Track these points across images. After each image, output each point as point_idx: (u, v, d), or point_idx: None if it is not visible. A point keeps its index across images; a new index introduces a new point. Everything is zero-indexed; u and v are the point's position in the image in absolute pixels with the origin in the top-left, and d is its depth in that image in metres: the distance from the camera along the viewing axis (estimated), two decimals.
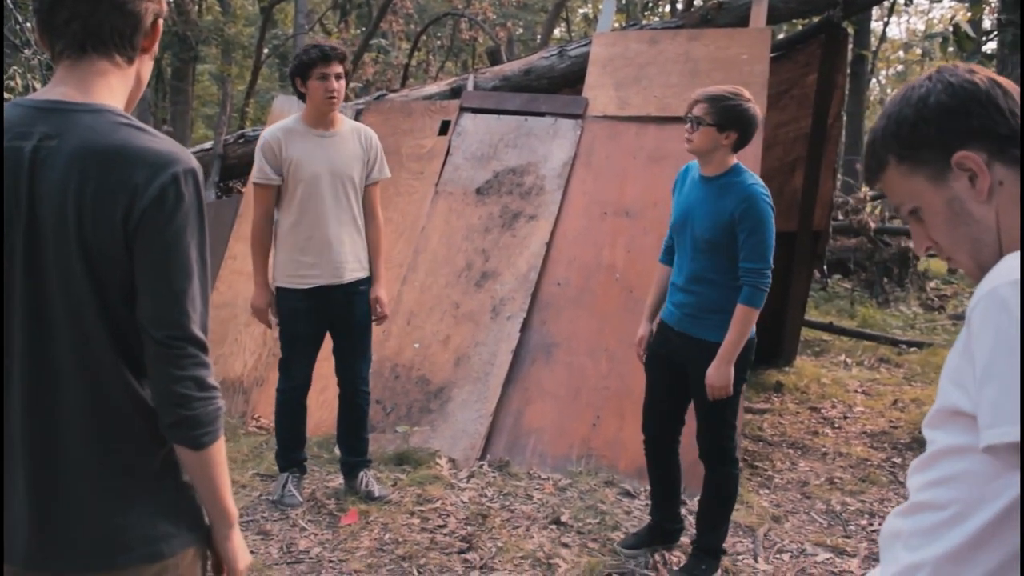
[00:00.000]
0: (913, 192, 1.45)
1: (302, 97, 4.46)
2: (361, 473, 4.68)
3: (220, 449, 1.63)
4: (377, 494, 4.59)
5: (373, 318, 4.64)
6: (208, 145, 8.61)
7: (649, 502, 4.50)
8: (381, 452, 5.09)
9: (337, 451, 4.86)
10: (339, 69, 4.38)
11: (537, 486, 4.84)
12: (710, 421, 3.90)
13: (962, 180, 1.39)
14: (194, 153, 8.38)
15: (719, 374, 3.70)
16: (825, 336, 9.73)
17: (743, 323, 3.68)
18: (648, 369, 4.11)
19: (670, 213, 4.07)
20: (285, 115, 6.80)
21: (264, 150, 4.37)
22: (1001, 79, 1.42)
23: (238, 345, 6.16)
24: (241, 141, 8.26)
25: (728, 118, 3.71)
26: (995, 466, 1.26)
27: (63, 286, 1.54)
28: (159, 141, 1.57)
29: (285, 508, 4.50)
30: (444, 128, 6.52)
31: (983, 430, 1.21)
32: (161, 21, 1.65)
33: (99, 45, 1.60)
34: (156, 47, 1.71)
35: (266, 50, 16.38)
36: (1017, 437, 1.17)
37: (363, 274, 4.57)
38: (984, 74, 1.41)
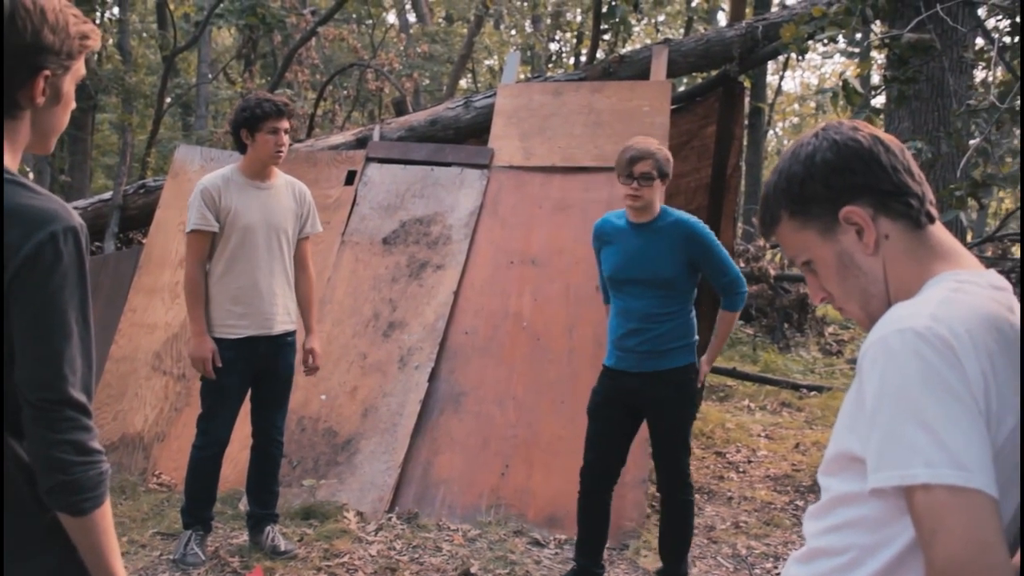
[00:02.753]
0: (805, 245, 1.51)
1: (243, 148, 4.46)
2: (268, 528, 4.57)
3: (105, 515, 1.58)
4: (283, 548, 4.48)
5: (304, 368, 4.65)
6: (108, 195, 8.41)
7: (558, 551, 4.49)
8: (287, 507, 4.98)
9: (242, 506, 4.74)
10: (287, 125, 4.44)
11: (447, 537, 4.79)
12: (672, 446, 4.03)
13: (850, 234, 1.45)
14: (92, 204, 8.18)
15: (705, 368, 4.19)
16: (729, 381, 9.89)
17: (728, 326, 4.20)
18: (598, 417, 4.13)
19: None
20: (187, 165, 6.72)
21: (204, 197, 4.35)
22: (884, 135, 1.48)
23: (138, 400, 5.99)
24: (142, 191, 8.07)
25: (668, 168, 4.02)
26: (889, 511, 1.30)
27: None
28: (39, 198, 1.52)
29: (187, 568, 4.35)
30: (350, 178, 6.51)
31: (870, 474, 1.25)
32: (47, 73, 1.57)
33: None
34: (62, 97, 1.63)
35: (168, 99, 16.13)
36: (899, 481, 1.21)
37: (291, 327, 4.56)
38: (867, 131, 1.47)
